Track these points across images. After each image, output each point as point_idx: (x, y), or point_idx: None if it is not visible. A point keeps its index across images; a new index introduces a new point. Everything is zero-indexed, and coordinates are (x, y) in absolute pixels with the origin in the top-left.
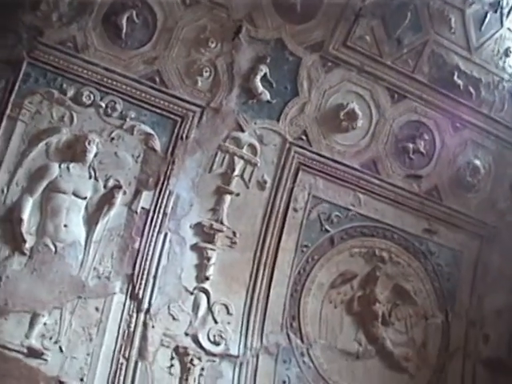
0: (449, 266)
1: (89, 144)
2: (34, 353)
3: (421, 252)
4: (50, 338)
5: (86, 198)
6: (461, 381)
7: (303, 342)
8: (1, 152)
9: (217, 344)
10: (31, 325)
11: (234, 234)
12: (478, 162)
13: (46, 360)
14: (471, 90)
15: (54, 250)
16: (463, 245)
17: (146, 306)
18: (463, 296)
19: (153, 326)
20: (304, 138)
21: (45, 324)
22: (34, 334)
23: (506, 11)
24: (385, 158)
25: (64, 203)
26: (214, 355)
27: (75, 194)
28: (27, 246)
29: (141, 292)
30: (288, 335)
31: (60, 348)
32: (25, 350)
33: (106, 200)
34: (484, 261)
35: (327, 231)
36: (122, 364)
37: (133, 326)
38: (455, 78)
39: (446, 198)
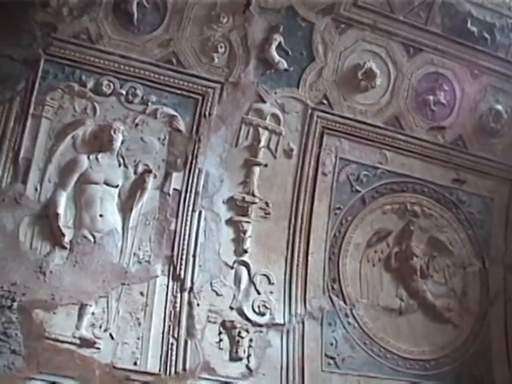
0: (481, 214)
1: (114, 133)
2: (86, 343)
3: (452, 202)
4: (100, 327)
5: (117, 186)
6: (504, 325)
7: (346, 304)
8: (29, 150)
9: (262, 314)
10: (80, 316)
11: (267, 204)
12: (499, 107)
13: (98, 348)
14: (486, 35)
15: (92, 240)
16: (493, 191)
17: (188, 285)
18: (498, 241)
19: (198, 304)
20: (325, 101)
21: (93, 314)
22: (84, 325)
23: None
24: (407, 113)
25: (97, 193)
26: (261, 326)
27: (107, 184)
28: (66, 239)
29: (182, 272)
30: (330, 298)
31: (111, 335)
32: (77, 341)
33: (138, 185)
34: None
35: (358, 191)
36: (172, 344)
37: (178, 305)
38: (469, 25)
39: (472, 146)
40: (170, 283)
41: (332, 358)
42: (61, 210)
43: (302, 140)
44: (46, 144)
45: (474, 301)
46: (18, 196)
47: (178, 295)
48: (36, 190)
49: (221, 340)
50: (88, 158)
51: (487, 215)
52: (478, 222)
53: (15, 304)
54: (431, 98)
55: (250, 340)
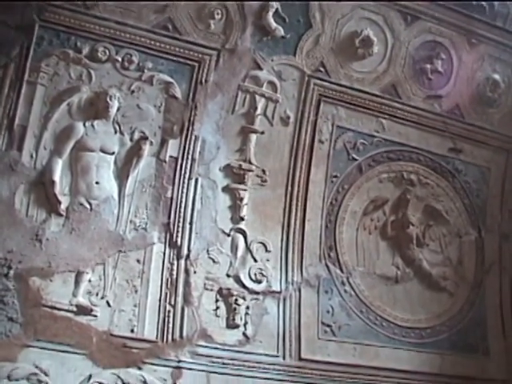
0: (477, 183)
1: (110, 99)
2: (83, 310)
3: (448, 171)
4: (97, 294)
5: (113, 153)
6: (499, 294)
7: (342, 271)
8: (24, 117)
9: (259, 282)
10: (77, 283)
11: (264, 172)
12: (497, 76)
13: (95, 316)
14: (484, 3)
15: (89, 207)
16: (489, 160)
17: (185, 252)
18: (494, 211)
19: (194, 272)
20: (322, 69)
21: (90, 281)
22: (81, 292)
23: None
24: (404, 82)
25: (93, 161)
26: (257, 293)
27: (103, 151)
28: (62, 206)
29: (179, 239)
30: (327, 266)
31: (107, 303)
32: (74, 309)
33: (134, 153)
34: (511, 174)
35: (354, 159)
36: (169, 311)
37: (175, 273)
38: None
39: (468, 116)
40: (167, 250)
41: (328, 325)
42: (57, 178)
43: (299, 107)
44: (42, 111)
45: (469, 270)
46: (13, 163)
47: (175, 262)
48: (31, 157)
49: (217, 307)
50: (84, 124)
51: (483, 185)
52: (474, 191)
53: (11, 272)
54: (428, 66)
55: (247, 307)
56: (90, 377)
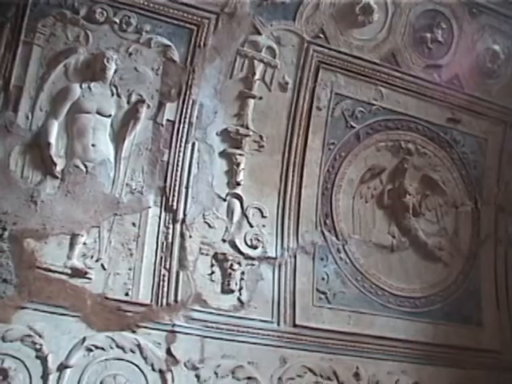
0: (474, 154)
1: (107, 61)
2: (77, 272)
3: (446, 141)
4: (92, 257)
5: (110, 115)
6: (494, 266)
7: (338, 239)
8: (20, 78)
9: (254, 247)
10: (71, 246)
11: (261, 137)
12: (497, 47)
13: (89, 279)
14: None
15: (84, 170)
16: (487, 132)
17: (181, 216)
18: (490, 182)
19: (190, 236)
20: (321, 35)
21: (84, 244)
22: (76, 255)
23: None
24: (404, 50)
25: (89, 123)
26: (253, 259)
27: (99, 113)
28: (58, 168)
29: (175, 203)
30: (323, 233)
31: (102, 265)
32: (68, 271)
33: (131, 116)
34: (509, 147)
35: (352, 127)
36: (164, 275)
37: (170, 237)
38: None
39: (468, 86)
40: (163, 214)
41: (323, 292)
42: (52, 139)
43: (298, 74)
44: (38, 72)
45: (464, 241)
46: (8, 124)
47: (171, 226)
48: (27, 118)
49: (213, 272)
50: (80, 86)
51: (481, 156)
52: (471, 162)
53: (6, 233)
54: (429, 35)
55: (242, 273)
56: (84, 339)
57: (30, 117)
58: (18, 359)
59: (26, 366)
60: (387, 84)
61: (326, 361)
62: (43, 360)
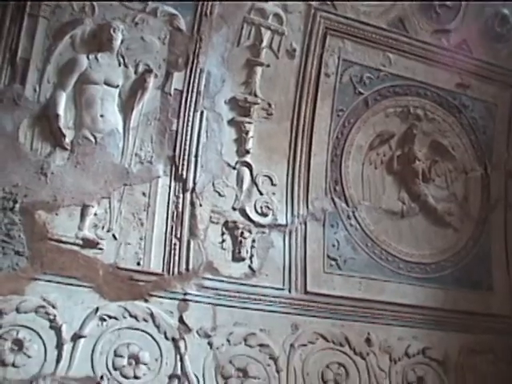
0: (483, 119)
1: (114, 32)
2: (89, 243)
3: (455, 107)
4: (103, 228)
5: (118, 86)
6: (504, 231)
7: (348, 206)
8: (27, 51)
9: (264, 215)
10: (82, 217)
11: (269, 105)
12: (505, 11)
13: (101, 249)
14: None
15: (93, 141)
16: (496, 97)
17: (190, 185)
18: (500, 148)
19: (200, 205)
20: (328, 2)
21: (95, 214)
22: (87, 225)
23: None
24: (411, 15)
25: (97, 94)
26: (263, 226)
27: (107, 84)
28: (67, 140)
29: (184, 172)
30: (333, 200)
31: (113, 236)
32: (80, 242)
33: (139, 85)
34: None
35: (361, 93)
36: (175, 244)
37: (180, 206)
38: None
39: (476, 51)
40: (172, 183)
41: (334, 259)
42: (61, 111)
43: (305, 40)
44: (44, 44)
45: (474, 206)
46: (16, 97)
47: (181, 195)
48: (35, 90)
49: (223, 240)
50: (87, 57)
51: (490, 121)
52: (480, 127)
53: (17, 205)
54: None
55: (253, 240)
56: (97, 309)
57: (37, 89)
58: (33, 330)
59: (40, 336)
60: (395, 50)
61: (337, 327)
62: (57, 330)
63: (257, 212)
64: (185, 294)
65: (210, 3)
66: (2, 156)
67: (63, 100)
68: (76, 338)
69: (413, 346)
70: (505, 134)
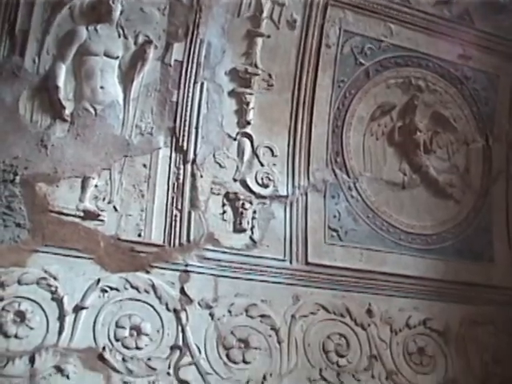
0: (485, 90)
1: (112, 2)
2: (90, 215)
3: (457, 78)
4: (104, 199)
5: (117, 57)
6: (505, 203)
7: (349, 177)
8: (25, 22)
9: (265, 186)
10: (83, 188)
11: (270, 76)
12: None
13: (102, 221)
14: None
15: (93, 112)
16: (498, 68)
17: (191, 156)
18: (502, 119)
19: (201, 176)
20: None
21: (96, 186)
22: (88, 197)
23: None
24: None
25: (97, 65)
26: (264, 197)
27: (107, 55)
28: (67, 112)
29: (185, 143)
30: (334, 171)
31: (114, 207)
32: (81, 214)
33: (138, 57)
34: None
35: (362, 64)
36: (175, 216)
37: (181, 177)
38: None
39: (478, 21)
40: (173, 155)
41: (335, 230)
42: (60, 83)
43: (306, 11)
44: (43, 15)
45: (476, 177)
46: (16, 69)
47: (181, 167)
48: (34, 62)
49: (224, 211)
50: (87, 29)
51: (492, 92)
52: (482, 98)
53: (18, 178)
54: None
55: (254, 212)
56: (98, 281)
57: (36, 61)
58: (35, 302)
59: (42, 308)
60: (397, 20)
61: (338, 298)
62: (59, 302)
63: (258, 183)
64: (186, 265)
65: None
66: (2, 128)
67: (63, 72)
68: (78, 309)
69: (414, 316)
70: (507, 106)
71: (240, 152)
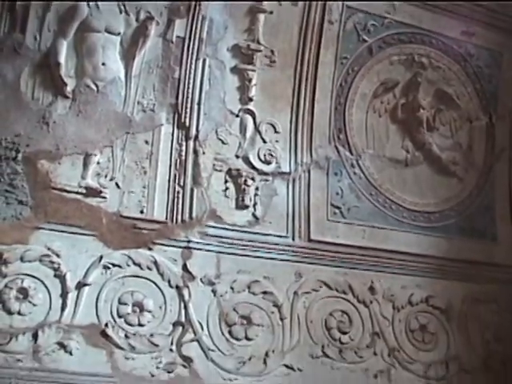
0: (489, 68)
1: None
2: (92, 192)
3: (460, 55)
4: (106, 176)
5: (119, 33)
6: (508, 181)
7: (352, 154)
8: None
9: (268, 163)
10: (85, 165)
11: (272, 52)
12: None
13: (104, 197)
14: None
15: (95, 89)
16: (502, 45)
17: (193, 133)
18: (505, 97)
19: (203, 152)
20: None
21: (98, 163)
22: (90, 174)
23: None
24: None
25: (99, 41)
26: (267, 174)
27: (108, 31)
28: (69, 88)
29: (187, 120)
30: (336, 148)
31: (116, 184)
32: (83, 191)
33: (140, 33)
34: None
35: (365, 41)
36: (178, 192)
37: (184, 154)
38: None
39: None
40: (175, 131)
41: (338, 207)
42: (62, 59)
43: None
44: None
45: (479, 155)
46: (17, 45)
47: (184, 143)
48: (35, 39)
49: (227, 188)
50: (88, 5)
51: (496, 69)
52: (485, 76)
53: (20, 155)
54: None
55: (256, 188)
56: (101, 258)
57: (38, 37)
58: (37, 279)
59: (45, 285)
60: None
61: (341, 275)
62: (62, 279)
63: (260, 160)
64: (188, 241)
65: None
66: (3, 106)
67: (64, 48)
68: (80, 286)
69: (416, 294)
70: (510, 83)
71: (242, 128)
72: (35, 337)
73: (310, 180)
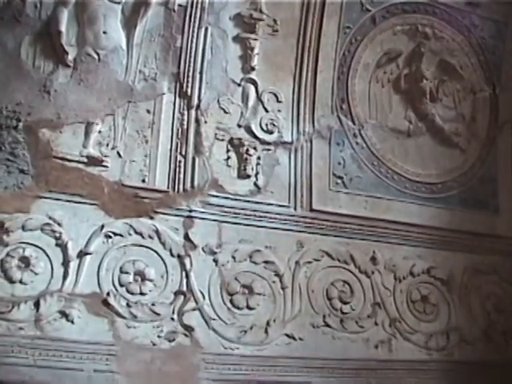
0: (493, 39)
1: None
2: (93, 161)
3: (464, 26)
4: (107, 145)
5: (120, 2)
6: (511, 152)
7: (354, 124)
8: None
9: (270, 132)
10: (86, 134)
11: (275, 21)
12: None
13: (106, 166)
14: None
15: (97, 58)
16: (507, 16)
17: (195, 102)
18: (509, 68)
19: (205, 121)
20: None
21: (100, 132)
22: (91, 143)
23: None
24: None
25: (100, 10)
26: (269, 143)
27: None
28: (70, 57)
29: (189, 89)
30: (339, 118)
31: (118, 153)
32: (85, 160)
33: (142, 1)
34: None
35: (368, 10)
36: (180, 161)
37: (185, 123)
38: None
39: None
40: (177, 100)
41: (340, 177)
42: (63, 28)
43: None
44: None
45: (482, 126)
46: (17, 14)
47: (185, 112)
48: (36, 7)
49: (229, 157)
50: None
51: (500, 41)
52: (489, 47)
53: (21, 124)
54: None
55: (258, 158)
56: (102, 226)
57: (38, 5)
58: (39, 247)
59: (46, 253)
60: None
61: (342, 245)
62: (63, 248)
63: (262, 129)
64: (190, 210)
65: None
66: (4, 74)
67: (65, 16)
68: (82, 255)
69: (417, 265)
70: None
71: (244, 98)
72: (37, 305)
73: (312, 150)
